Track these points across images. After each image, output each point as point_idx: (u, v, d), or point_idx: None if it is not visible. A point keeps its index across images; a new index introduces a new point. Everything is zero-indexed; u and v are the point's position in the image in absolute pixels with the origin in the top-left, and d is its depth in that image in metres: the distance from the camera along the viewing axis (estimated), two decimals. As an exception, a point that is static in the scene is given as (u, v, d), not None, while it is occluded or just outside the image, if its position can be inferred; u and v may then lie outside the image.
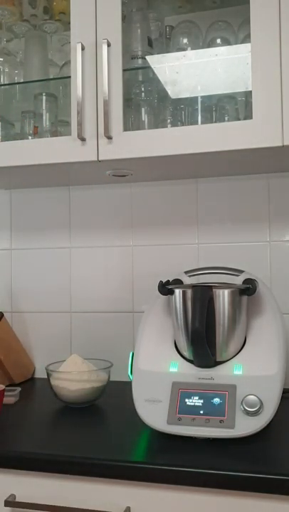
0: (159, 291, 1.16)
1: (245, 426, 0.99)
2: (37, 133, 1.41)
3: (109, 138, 1.20)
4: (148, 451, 1.01)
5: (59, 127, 1.41)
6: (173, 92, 1.35)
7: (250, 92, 1.14)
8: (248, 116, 1.20)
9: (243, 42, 1.27)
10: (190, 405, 1.04)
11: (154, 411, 1.05)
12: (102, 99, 1.19)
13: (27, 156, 1.27)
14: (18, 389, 1.35)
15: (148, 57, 1.31)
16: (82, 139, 1.21)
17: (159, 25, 1.41)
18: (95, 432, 1.10)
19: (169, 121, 1.33)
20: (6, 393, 1.24)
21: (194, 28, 1.34)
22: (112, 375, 1.33)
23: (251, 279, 1.13)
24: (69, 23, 1.27)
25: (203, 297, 1.04)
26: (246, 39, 1.23)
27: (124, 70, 1.22)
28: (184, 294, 1.10)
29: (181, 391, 1.06)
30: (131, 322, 1.55)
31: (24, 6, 1.48)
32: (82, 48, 1.22)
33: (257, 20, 1.13)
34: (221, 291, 1.08)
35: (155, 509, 0.94)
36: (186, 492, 0.92)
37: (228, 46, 1.30)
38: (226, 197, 1.49)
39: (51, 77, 1.43)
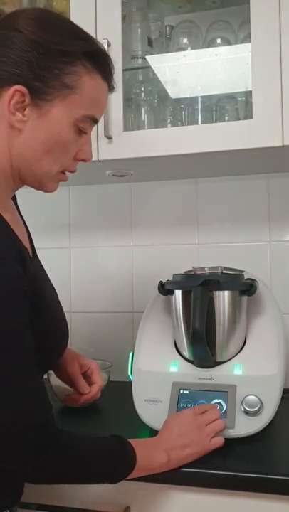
0: (158, 291, 1.16)
1: (245, 426, 0.99)
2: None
3: (109, 138, 1.20)
4: (148, 451, 1.01)
5: (59, 127, 1.41)
6: (173, 92, 1.35)
7: (250, 92, 1.14)
8: (248, 116, 1.20)
9: (243, 42, 1.27)
10: (190, 405, 1.04)
11: (154, 411, 1.05)
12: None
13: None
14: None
15: (148, 57, 1.31)
16: (82, 139, 1.21)
17: (159, 25, 1.41)
18: (95, 432, 1.10)
19: (169, 121, 1.33)
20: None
21: (194, 27, 1.33)
22: (112, 375, 1.33)
23: (251, 279, 1.13)
24: (69, 23, 1.27)
25: (203, 297, 1.04)
26: (246, 39, 1.23)
27: (124, 70, 1.22)
28: (184, 294, 1.10)
29: (181, 391, 1.06)
30: (131, 322, 1.54)
31: (24, 6, 1.48)
32: (82, 48, 1.22)
33: (257, 20, 1.13)
34: (220, 291, 1.08)
35: (155, 509, 0.94)
36: (186, 492, 0.92)
37: (228, 46, 1.30)
38: (226, 197, 1.49)
39: (51, 76, 1.43)
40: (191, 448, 0.90)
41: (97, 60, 0.81)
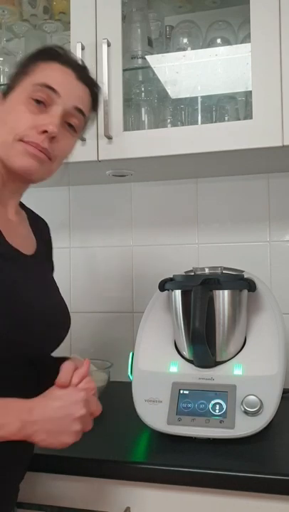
0: (159, 290, 1.16)
1: (245, 426, 0.99)
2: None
3: (109, 138, 1.20)
4: (148, 451, 1.01)
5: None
6: (173, 92, 1.35)
7: (250, 92, 1.14)
8: (248, 116, 1.20)
9: (243, 42, 1.27)
10: (190, 406, 1.04)
11: (154, 411, 1.05)
12: (102, 99, 1.19)
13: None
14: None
15: (148, 57, 1.31)
16: (82, 139, 1.21)
17: (159, 25, 1.41)
18: (95, 432, 1.10)
19: (169, 121, 1.33)
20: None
21: (194, 27, 1.34)
22: (112, 375, 1.33)
23: (251, 279, 1.13)
24: (69, 23, 1.27)
25: (203, 297, 1.04)
26: (246, 39, 1.23)
27: (124, 70, 1.22)
28: (184, 294, 1.10)
29: (181, 391, 1.06)
30: (131, 322, 1.54)
31: (24, 5, 1.48)
32: (82, 48, 1.22)
33: (257, 20, 1.13)
34: (221, 291, 1.08)
35: (155, 509, 0.94)
36: (186, 492, 0.92)
37: (228, 46, 1.30)
38: (226, 197, 1.49)
39: (51, 76, 1.43)
40: (51, 435, 0.76)
41: (45, 52, 0.90)
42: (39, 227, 1.01)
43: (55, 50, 0.90)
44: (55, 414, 0.75)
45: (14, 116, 0.85)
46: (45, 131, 0.84)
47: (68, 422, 0.76)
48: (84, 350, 1.57)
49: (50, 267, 1.03)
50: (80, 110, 0.88)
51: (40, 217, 1.06)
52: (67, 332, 0.96)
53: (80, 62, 0.92)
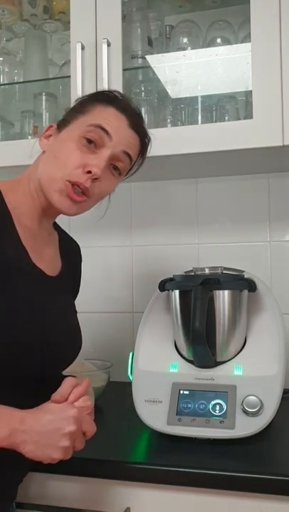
0: (159, 290, 1.16)
1: (245, 426, 0.99)
2: (36, 133, 1.41)
3: (109, 138, 1.20)
4: (148, 452, 1.01)
5: (59, 127, 1.41)
6: (173, 92, 1.35)
7: (251, 91, 1.14)
8: (248, 116, 1.20)
9: (243, 41, 1.27)
10: (190, 406, 1.04)
11: (154, 411, 1.04)
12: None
13: (26, 156, 1.26)
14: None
15: (148, 57, 1.31)
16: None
17: (159, 24, 1.41)
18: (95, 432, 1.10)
19: (169, 120, 1.33)
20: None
21: (194, 27, 1.34)
22: (112, 376, 1.33)
23: (251, 279, 1.13)
24: (69, 23, 1.27)
25: (203, 297, 1.04)
26: (246, 39, 1.23)
27: (124, 70, 1.22)
28: (184, 294, 1.09)
29: (181, 391, 1.06)
30: (131, 322, 1.54)
31: (24, 5, 1.48)
32: (82, 48, 1.22)
33: (257, 20, 1.13)
34: (221, 291, 1.07)
35: (155, 509, 0.94)
36: (185, 492, 0.92)
37: (229, 46, 1.30)
38: (226, 197, 1.49)
39: (51, 76, 1.43)
40: (39, 448, 0.75)
41: (104, 95, 0.95)
42: (69, 250, 1.05)
43: (114, 95, 0.95)
44: (45, 427, 0.75)
45: (65, 153, 0.88)
46: (89, 172, 0.87)
47: (57, 436, 0.75)
48: (84, 350, 1.56)
49: (71, 290, 1.04)
50: (127, 154, 0.92)
51: (73, 240, 1.10)
52: (77, 354, 0.97)
53: (136, 111, 0.96)
